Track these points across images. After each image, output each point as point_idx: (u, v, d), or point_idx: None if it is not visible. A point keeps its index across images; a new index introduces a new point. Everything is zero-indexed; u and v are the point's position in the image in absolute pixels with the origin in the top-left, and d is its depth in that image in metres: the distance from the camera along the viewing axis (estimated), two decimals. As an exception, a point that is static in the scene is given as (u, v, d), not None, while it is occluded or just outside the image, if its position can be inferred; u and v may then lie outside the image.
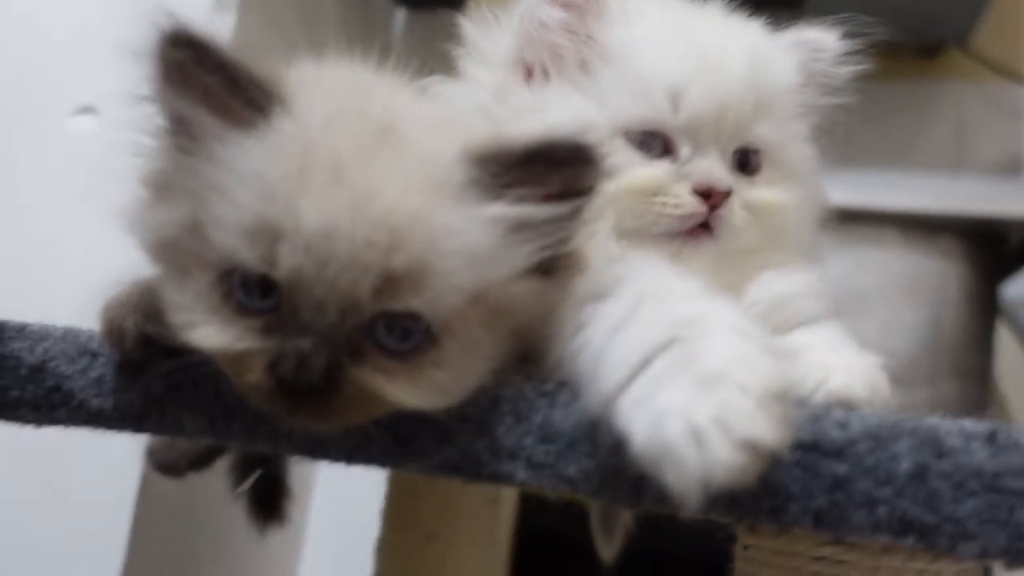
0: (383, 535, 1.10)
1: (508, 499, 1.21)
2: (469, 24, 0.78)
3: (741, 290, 0.69)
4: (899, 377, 0.63)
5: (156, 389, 0.58)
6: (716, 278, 0.58)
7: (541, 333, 0.56)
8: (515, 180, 0.53)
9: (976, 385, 1.80)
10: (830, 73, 0.79)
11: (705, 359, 0.46)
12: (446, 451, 0.55)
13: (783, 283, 0.71)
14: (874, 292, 1.74)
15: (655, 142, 0.72)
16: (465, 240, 0.51)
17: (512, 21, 0.76)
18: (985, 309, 1.80)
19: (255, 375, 0.51)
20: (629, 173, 0.69)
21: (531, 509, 1.24)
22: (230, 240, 0.51)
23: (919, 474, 0.47)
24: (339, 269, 0.49)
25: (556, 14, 0.75)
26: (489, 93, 0.74)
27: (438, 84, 0.75)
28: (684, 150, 0.72)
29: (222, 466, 1.10)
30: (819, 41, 0.79)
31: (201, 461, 1.02)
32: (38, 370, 0.62)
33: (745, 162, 0.75)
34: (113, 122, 1.21)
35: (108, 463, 1.09)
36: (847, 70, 0.78)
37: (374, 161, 0.51)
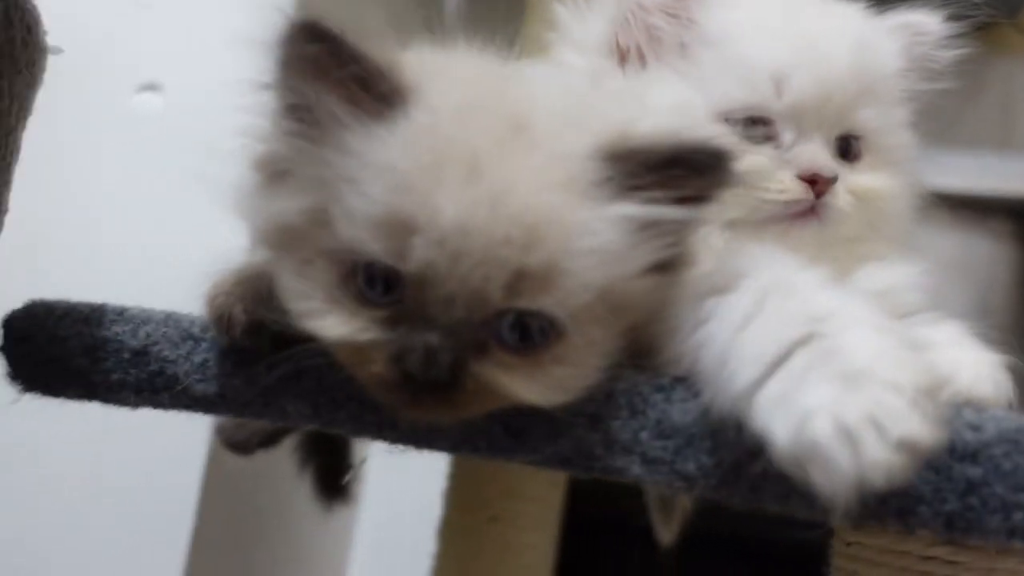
0: (446, 516, 1.10)
1: (562, 482, 1.21)
2: (562, 9, 0.77)
3: (843, 280, 0.67)
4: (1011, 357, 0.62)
5: (263, 377, 0.58)
6: (818, 267, 0.57)
7: (654, 329, 0.55)
8: (650, 182, 0.52)
9: (1024, 367, 1.78)
10: (932, 57, 0.77)
11: (848, 355, 0.45)
12: (558, 444, 0.54)
13: (887, 275, 0.69)
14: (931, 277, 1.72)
15: (757, 127, 0.71)
16: (597, 239, 0.51)
17: (606, 5, 0.75)
18: (1034, 291, 1.77)
19: (377, 367, 0.51)
20: None
21: (587, 492, 1.24)
22: (358, 231, 0.50)
23: (1058, 480, 0.46)
24: (472, 265, 0.49)
25: None
26: (583, 78, 0.73)
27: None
28: (787, 136, 0.71)
29: (286, 444, 1.11)
30: (922, 24, 0.77)
31: (271, 439, 1.03)
32: (141, 354, 0.63)
33: (847, 148, 0.73)
34: (178, 101, 1.23)
35: (175, 441, 1.10)
36: (950, 54, 0.77)
37: (510, 156, 0.51)
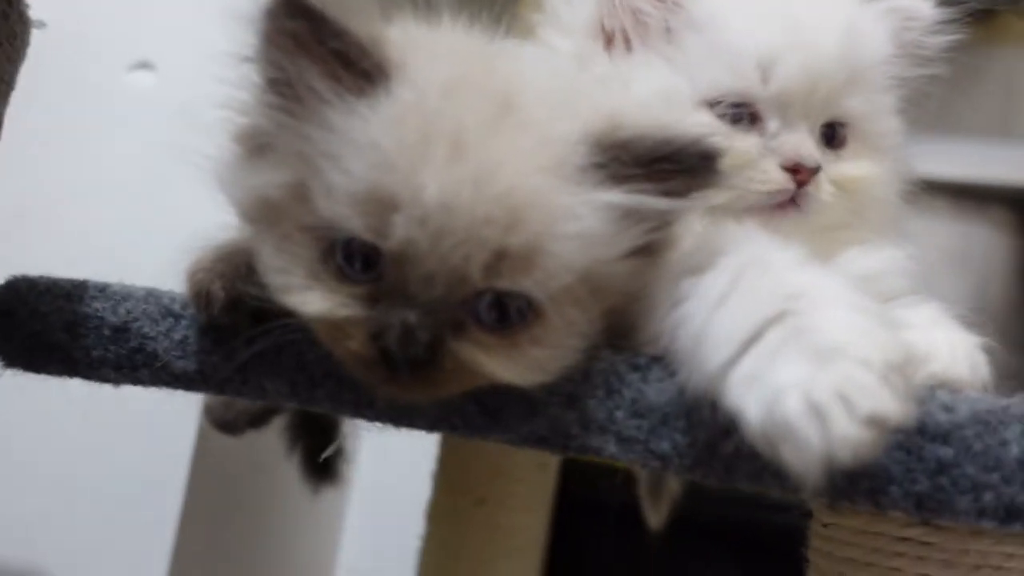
0: (434, 498, 1.11)
1: (554, 465, 1.21)
2: None
3: (828, 266, 0.67)
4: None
5: (241, 353, 0.58)
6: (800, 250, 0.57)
7: (632, 310, 0.56)
8: (637, 174, 0.52)
9: (1021, 357, 1.77)
10: (922, 43, 0.76)
11: (820, 332, 0.45)
12: (534, 423, 0.55)
13: (870, 259, 0.69)
14: (920, 261, 1.71)
15: (743, 114, 0.70)
16: (579, 224, 0.51)
17: None
18: (1032, 281, 1.77)
19: (355, 344, 0.51)
20: None
21: (577, 475, 1.24)
22: (339, 208, 0.50)
23: (1029, 461, 0.46)
24: (454, 244, 0.49)
25: None
26: (568, 61, 0.73)
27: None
28: (772, 123, 0.71)
29: (276, 424, 1.11)
30: (913, 9, 0.76)
31: (259, 420, 1.04)
32: (122, 330, 0.63)
33: (832, 136, 0.73)
34: (172, 79, 1.22)
35: (164, 422, 1.11)
36: (941, 40, 0.76)
37: (496, 136, 0.51)
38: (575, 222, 0.51)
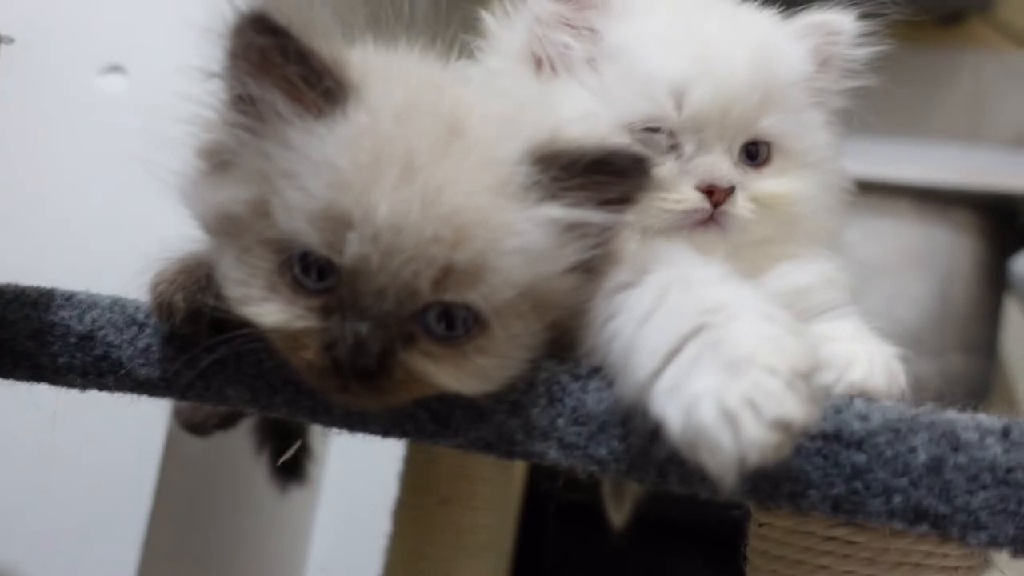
0: (400, 498, 1.13)
1: (519, 465, 1.23)
2: (489, 16, 0.79)
3: (758, 281, 0.69)
4: (905, 348, 0.65)
5: (202, 361, 0.61)
6: (731, 270, 0.59)
7: (574, 324, 0.59)
8: (575, 185, 0.55)
9: (982, 358, 1.82)
10: (847, 56, 0.78)
11: (733, 343, 0.48)
12: (481, 430, 0.57)
13: (798, 275, 0.72)
14: (883, 263, 1.74)
15: (659, 139, 0.72)
16: (523, 239, 0.54)
17: (525, 14, 0.77)
18: (994, 283, 1.80)
19: (310, 353, 0.54)
20: None
21: (542, 474, 1.27)
22: (297, 224, 0.53)
23: (935, 466, 0.50)
24: (404, 260, 0.52)
25: (551, 7, 0.75)
26: (504, 83, 0.75)
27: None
28: (688, 147, 0.73)
29: (245, 425, 1.13)
30: (834, 23, 0.78)
31: (227, 421, 1.06)
32: (87, 338, 0.65)
33: (755, 153, 0.75)
34: (143, 83, 1.21)
35: (134, 420, 1.11)
36: (865, 51, 0.78)
37: (444, 158, 0.54)
38: (518, 237, 0.54)
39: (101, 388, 0.66)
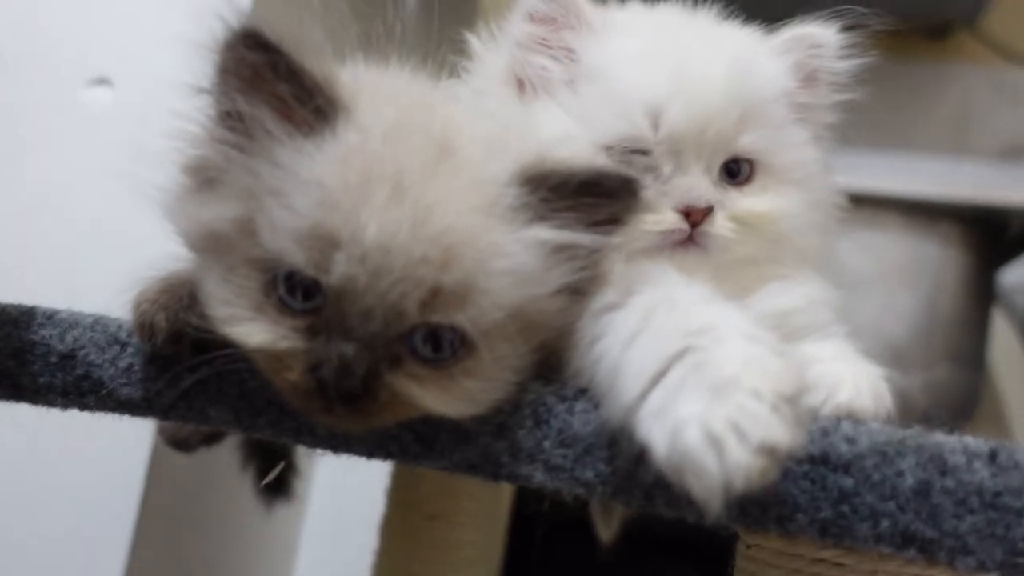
0: (387, 514, 1.12)
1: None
2: (474, 39, 0.79)
3: (743, 302, 0.69)
4: (893, 361, 0.64)
5: (185, 381, 0.60)
6: (717, 290, 0.58)
7: (562, 345, 0.58)
8: (564, 206, 0.55)
9: (970, 371, 1.82)
10: (831, 69, 0.77)
11: (718, 366, 0.48)
12: (466, 452, 0.57)
13: (784, 296, 0.71)
14: (871, 276, 1.74)
15: (637, 159, 0.72)
16: (512, 261, 0.53)
17: (508, 35, 0.77)
18: (981, 295, 1.80)
19: (294, 375, 0.53)
20: None
21: (530, 493, 1.26)
22: (283, 243, 0.52)
23: (923, 490, 0.50)
24: (392, 281, 0.51)
25: (529, 29, 0.75)
26: (488, 104, 0.75)
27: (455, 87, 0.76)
28: (666, 167, 0.72)
29: (230, 441, 1.12)
30: (816, 37, 0.77)
31: (212, 437, 1.04)
32: (68, 357, 0.64)
33: (736, 172, 0.74)
34: (130, 96, 1.20)
35: (119, 436, 1.11)
36: (849, 64, 0.77)
37: (433, 179, 0.53)
38: (506, 259, 0.53)
39: (82, 408, 0.65)
